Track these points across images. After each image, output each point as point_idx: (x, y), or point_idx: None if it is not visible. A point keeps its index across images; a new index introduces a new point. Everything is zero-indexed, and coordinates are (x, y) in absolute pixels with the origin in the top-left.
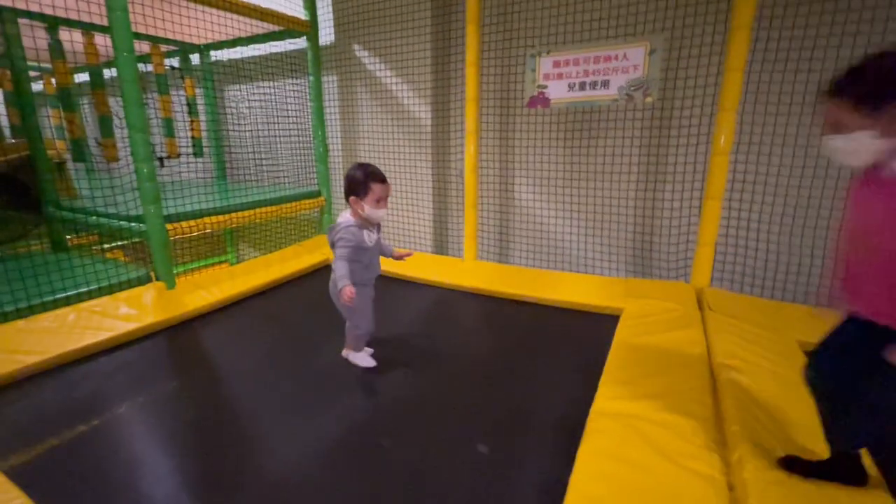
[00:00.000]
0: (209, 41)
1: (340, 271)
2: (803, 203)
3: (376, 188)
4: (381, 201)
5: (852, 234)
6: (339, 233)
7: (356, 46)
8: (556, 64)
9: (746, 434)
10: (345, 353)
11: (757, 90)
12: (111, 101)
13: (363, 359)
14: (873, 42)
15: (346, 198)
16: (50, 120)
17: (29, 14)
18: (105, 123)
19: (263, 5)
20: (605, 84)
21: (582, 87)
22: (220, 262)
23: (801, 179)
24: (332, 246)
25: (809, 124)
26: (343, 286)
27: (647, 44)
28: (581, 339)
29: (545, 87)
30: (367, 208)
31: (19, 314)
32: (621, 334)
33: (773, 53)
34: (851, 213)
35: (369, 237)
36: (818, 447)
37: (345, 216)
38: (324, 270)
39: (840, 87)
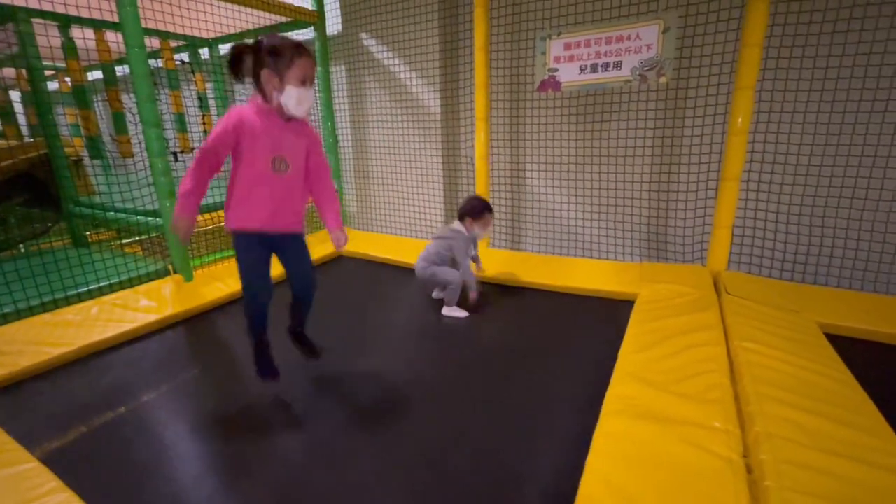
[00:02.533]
0: (218, 35)
1: (470, 275)
2: (824, 182)
3: (489, 217)
4: (487, 226)
5: None
6: (460, 239)
7: (364, 35)
8: (567, 46)
9: (763, 415)
10: (445, 311)
11: (776, 66)
12: (124, 97)
13: (459, 311)
14: None
15: (461, 217)
16: (66, 118)
17: (42, 13)
18: (119, 120)
19: None
20: (618, 65)
21: (594, 69)
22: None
23: (822, 158)
24: (443, 239)
25: (832, 101)
26: (471, 279)
27: (660, 22)
28: (596, 325)
29: (556, 70)
30: (478, 230)
31: (44, 308)
32: (636, 319)
33: (794, 27)
34: None
35: (472, 249)
36: (837, 429)
37: (459, 225)
38: (336, 261)
39: None
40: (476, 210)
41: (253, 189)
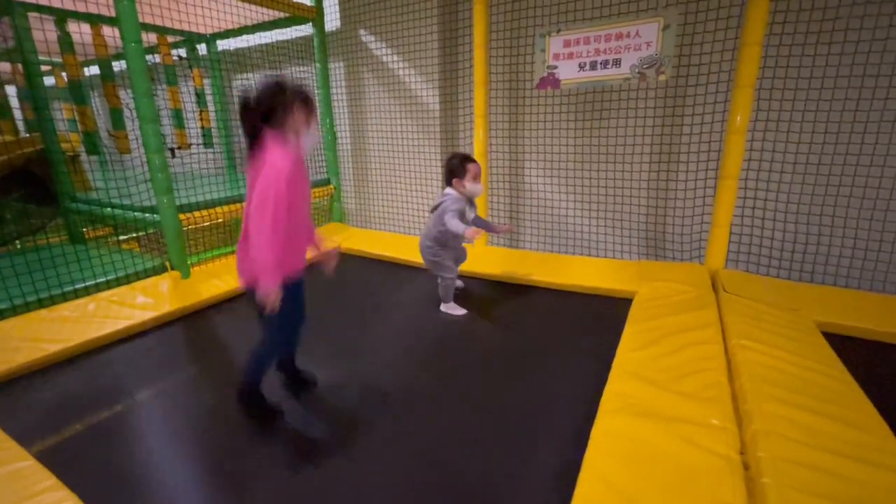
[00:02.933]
0: (216, 30)
1: (457, 227)
2: (822, 181)
3: (471, 167)
4: (476, 177)
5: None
6: (448, 199)
7: (362, 31)
8: (567, 43)
9: (761, 413)
10: (442, 307)
11: (775, 65)
12: (122, 93)
13: (454, 308)
14: None
15: (448, 182)
16: (62, 113)
17: (38, 7)
18: (116, 116)
19: None
20: (617, 63)
21: (593, 66)
22: (233, 252)
23: (820, 157)
24: (437, 209)
25: (831, 99)
26: (464, 231)
27: (660, 19)
28: (594, 323)
29: (555, 67)
30: (468, 185)
31: (41, 304)
32: (634, 317)
33: (793, 26)
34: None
35: (469, 211)
36: (834, 427)
37: (450, 190)
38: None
39: None
40: (456, 167)
41: (294, 236)
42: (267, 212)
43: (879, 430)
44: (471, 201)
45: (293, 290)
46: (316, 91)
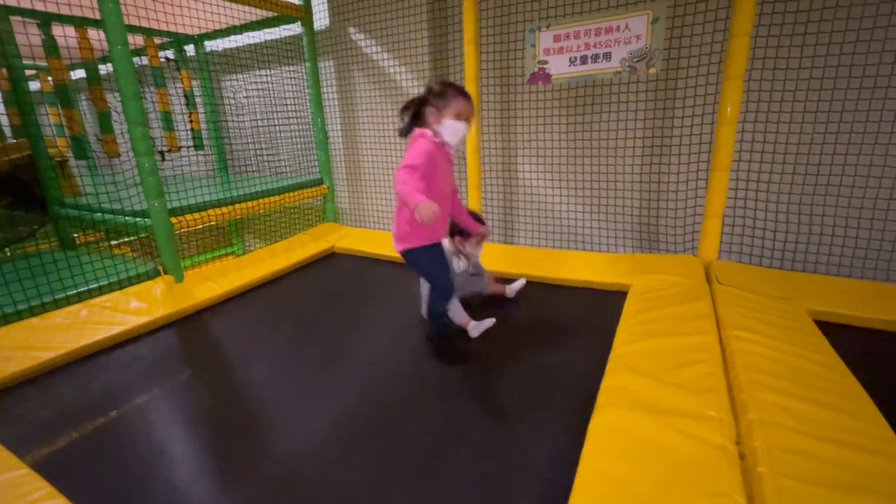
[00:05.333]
0: (203, 31)
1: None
2: (813, 171)
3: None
4: (480, 243)
5: None
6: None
7: (352, 30)
8: (557, 38)
9: (756, 403)
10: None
11: (764, 56)
12: (109, 96)
13: (477, 327)
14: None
15: (451, 236)
16: (49, 118)
17: (21, 11)
18: (104, 119)
19: None
20: (608, 56)
21: (584, 60)
22: (227, 254)
23: (810, 147)
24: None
25: (819, 89)
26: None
27: (649, 12)
28: (589, 317)
29: (546, 62)
30: (468, 248)
31: (32, 312)
32: (629, 310)
33: (781, 16)
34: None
35: (458, 264)
36: (828, 415)
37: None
38: (330, 258)
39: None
40: (456, 228)
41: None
42: (406, 175)
43: (872, 416)
44: (465, 254)
45: (437, 251)
46: (306, 90)
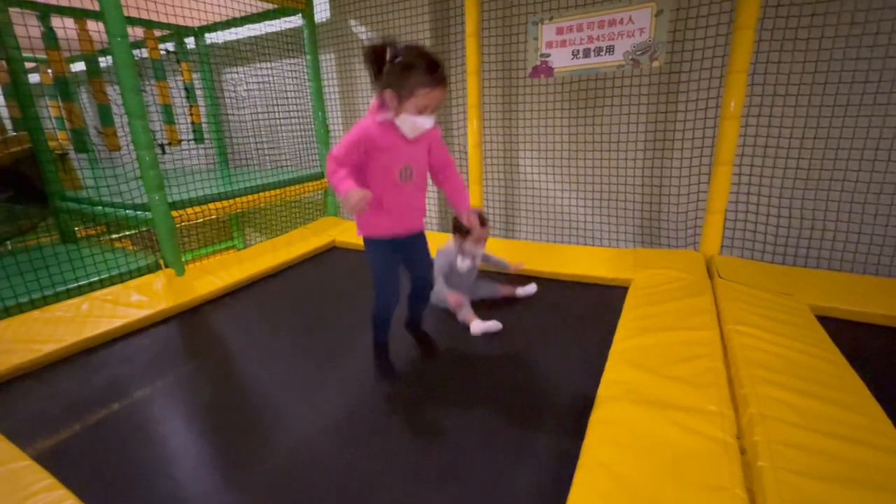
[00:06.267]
0: (204, 23)
1: (440, 290)
2: (816, 166)
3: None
4: (479, 242)
5: None
6: (440, 256)
7: (353, 22)
8: (560, 31)
9: (757, 397)
10: (472, 329)
11: (769, 49)
12: (109, 89)
13: (480, 324)
14: None
15: (454, 231)
16: (49, 111)
17: (20, 2)
18: (104, 112)
19: None
20: (611, 49)
21: (586, 53)
22: (228, 248)
23: (814, 142)
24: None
25: (824, 83)
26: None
27: (653, 5)
28: (590, 312)
29: (548, 55)
30: (468, 247)
31: (34, 305)
32: (630, 305)
33: (787, 9)
34: None
35: (462, 263)
36: (829, 409)
37: (450, 243)
38: (331, 252)
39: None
40: (462, 225)
41: (382, 199)
42: (331, 154)
43: (873, 411)
44: (473, 256)
45: (380, 249)
46: (307, 83)
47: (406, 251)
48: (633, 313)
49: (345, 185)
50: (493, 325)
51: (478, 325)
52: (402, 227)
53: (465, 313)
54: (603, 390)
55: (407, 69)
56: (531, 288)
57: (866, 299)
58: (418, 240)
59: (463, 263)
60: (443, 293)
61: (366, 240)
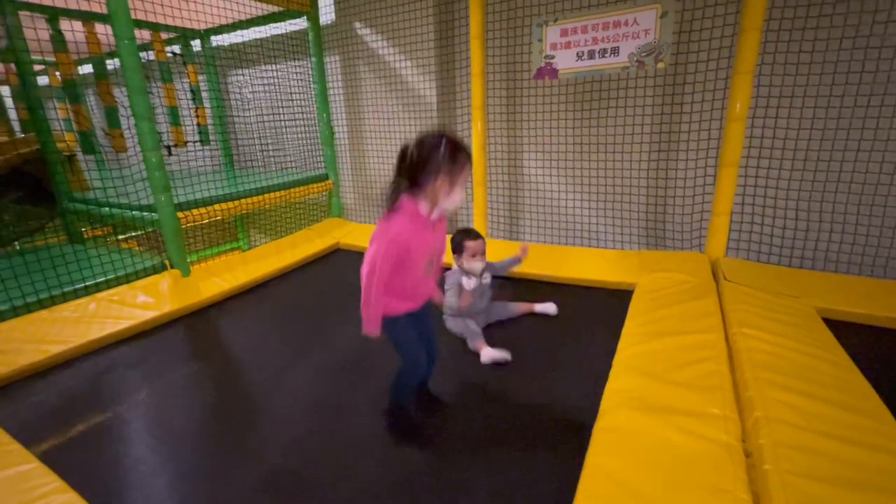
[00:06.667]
0: (210, 26)
1: (450, 302)
2: (822, 168)
3: (470, 245)
4: (476, 255)
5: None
6: (448, 279)
7: (357, 24)
8: (564, 32)
9: (762, 400)
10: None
11: (775, 51)
12: (116, 91)
13: (489, 354)
14: None
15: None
16: (57, 113)
17: (29, 6)
18: (111, 114)
19: None
20: (615, 51)
21: (591, 55)
22: (233, 249)
23: (820, 143)
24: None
25: (831, 84)
26: (457, 304)
27: (658, 6)
28: (595, 314)
29: (553, 57)
30: (465, 264)
31: (41, 305)
32: (636, 308)
33: (793, 10)
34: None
35: (468, 282)
36: (836, 412)
37: (455, 268)
38: (335, 254)
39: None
40: (457, 244)
41: (405, 290)
42: (372, 274)
43: (881, 415)
44: (478, 274)
45: (406, 323)
46: (312, 85)
47: (418, 319)
48: (638, 318)
49: (376, 313)
50: (502, 355)
51: (487, 354)
52: (419, 305)
53: (476, 341)
54: (607, 399)
55: (456, 149)
56: (551, 307)
57: (873, 302)
58: (426, 307)
59: (469, 283)
60: (452, 302)
61: (386, 319)
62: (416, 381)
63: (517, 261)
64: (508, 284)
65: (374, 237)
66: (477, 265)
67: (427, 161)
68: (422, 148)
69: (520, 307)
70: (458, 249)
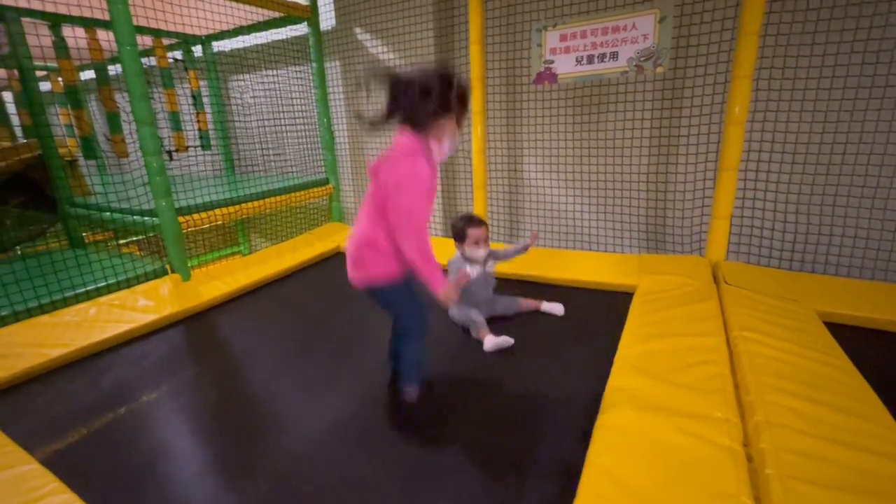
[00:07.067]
0: (211, 31)
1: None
2: (822, 171)
3: (472, 233)
4: (478, 242)
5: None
6: (450, 267)
7: (358, 30)
8: (563, 37)
9: (763, 404)
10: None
11: (773, 54)
12: (118, 96)
13: (492, 341)
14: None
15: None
16: (59, 118)
17: (32, 12)
18: (113, 119)
19: None
20: (615, 56)
21: (590, 60)
22: (233, 253)
23: (820, 147)
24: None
25: (830, 88)
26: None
27: (656, 11)
28: (595, 317)
29: (552, 62)
30: (467, 250)
31: (42, 310)
32: (636, 311)
33: (791, 14)
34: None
35: (471, 269)
36: (837, 416)
37: (457, 255)
38: (336, 258)
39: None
40: (458, 230)
41: None
42: (421, 230)
43: (882, 419)
44: (485, 259)
45: (415, 283)
46: (312, 90)
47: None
48: (638, 319)
49: (439, 275)
50: (505, 340)
51: (490, 341)
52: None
53: (479, 329)
54: (608, 397)
55: (463, 87)
56: (558, 308)
57: (875, 305)
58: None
59: (472, 270)
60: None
61: (389, 283)
62: (424, 343)
63: (524, 248)
64: (508, 286)
65: (389, 185)
66: (479, 252)
67: (437, 99)
68: (429, 84)
69: (526, 303)
70: (460, 237)
